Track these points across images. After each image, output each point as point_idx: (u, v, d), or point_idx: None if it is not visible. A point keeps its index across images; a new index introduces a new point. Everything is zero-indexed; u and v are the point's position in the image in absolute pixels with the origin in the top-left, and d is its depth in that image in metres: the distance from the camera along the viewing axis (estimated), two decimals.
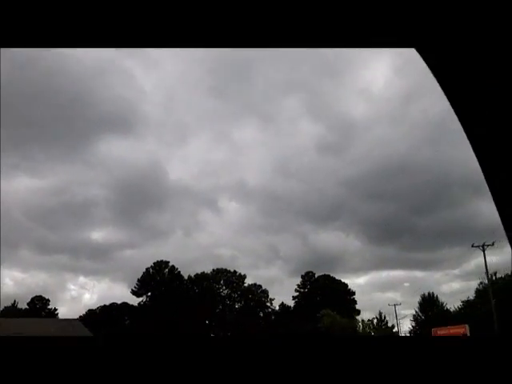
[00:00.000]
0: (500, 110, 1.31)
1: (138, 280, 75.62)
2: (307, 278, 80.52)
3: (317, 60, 77.55)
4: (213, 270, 78.44)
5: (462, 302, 62.40)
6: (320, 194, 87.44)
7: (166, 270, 76.73)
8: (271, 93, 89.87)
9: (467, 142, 1.40)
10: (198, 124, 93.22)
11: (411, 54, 1.40)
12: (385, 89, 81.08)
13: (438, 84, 1.39)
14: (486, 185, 1.38)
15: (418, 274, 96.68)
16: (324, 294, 75.36)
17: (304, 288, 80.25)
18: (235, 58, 77.31)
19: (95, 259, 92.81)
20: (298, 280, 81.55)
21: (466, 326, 41.32)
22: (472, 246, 40.64)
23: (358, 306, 76.06)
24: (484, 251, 40.46)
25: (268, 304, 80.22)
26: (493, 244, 38.97)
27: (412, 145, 78.72)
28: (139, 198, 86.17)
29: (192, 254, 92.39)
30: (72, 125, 78.31)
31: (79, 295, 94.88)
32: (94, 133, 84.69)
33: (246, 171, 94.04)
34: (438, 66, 1.37)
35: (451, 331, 42.28)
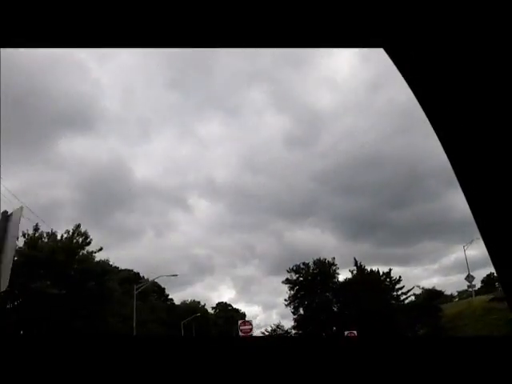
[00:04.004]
0: (468, 107, 1.34)
1: None
2: None
3: (279, 49, 75.08)
4: None
5: None
6: (291, 190, 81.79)
7: None
8: (235, 84, 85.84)
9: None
10: (160, 119, 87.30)
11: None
12: (350, 77, 76.01)
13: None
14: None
15: (397, 269, 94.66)
16: None
17: None
18: (194, 49, 75.31)
19: None
20: (275, 279, 66.25)
21: None
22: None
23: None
24: None
25: None
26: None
27: (381, 135, 74.27)
28: (105, 198, 78.92)
29: (166, 255, 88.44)
30: (29, 123, 68.75)
31: None
32: (52, 131, 73.01)
33: (214, 167, 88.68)
34: (406, 67, 1.39)
35: None
